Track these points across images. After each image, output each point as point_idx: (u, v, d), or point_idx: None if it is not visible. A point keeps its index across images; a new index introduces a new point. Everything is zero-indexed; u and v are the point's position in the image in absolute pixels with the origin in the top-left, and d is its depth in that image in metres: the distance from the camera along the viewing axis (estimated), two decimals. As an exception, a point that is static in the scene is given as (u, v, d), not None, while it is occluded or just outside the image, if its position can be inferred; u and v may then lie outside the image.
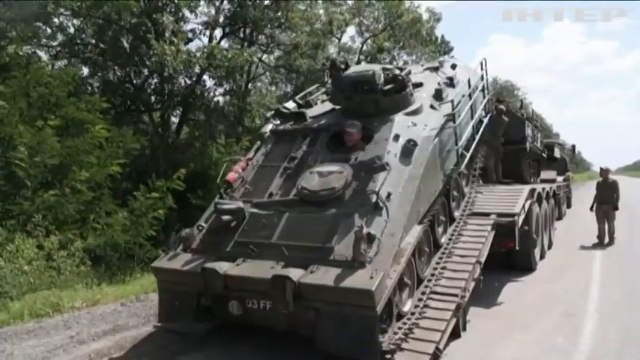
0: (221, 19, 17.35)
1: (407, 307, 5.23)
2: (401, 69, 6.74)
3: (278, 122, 7.05)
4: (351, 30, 26.44)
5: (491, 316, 6.89)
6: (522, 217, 8.16)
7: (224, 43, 17.80)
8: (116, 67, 16.81)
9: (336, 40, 25.34)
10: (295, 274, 4.50)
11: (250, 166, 6.32)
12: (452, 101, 6.73)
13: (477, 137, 8.00)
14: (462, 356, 5.43)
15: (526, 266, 9.27)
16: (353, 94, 6.36)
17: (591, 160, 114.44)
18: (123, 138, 11.66)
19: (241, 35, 18.63)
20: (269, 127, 6.95)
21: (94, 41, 16.39)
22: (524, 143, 12.21)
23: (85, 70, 16.23)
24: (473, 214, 7.62)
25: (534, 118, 14.42)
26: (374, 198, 5.03)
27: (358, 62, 25.89)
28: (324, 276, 4.48)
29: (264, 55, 20.00)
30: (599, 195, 12.47)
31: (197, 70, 15.98)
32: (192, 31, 16.96)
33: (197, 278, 4.98)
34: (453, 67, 8.45)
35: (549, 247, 11.34)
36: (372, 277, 4.30)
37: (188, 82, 17.36)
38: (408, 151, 5.70)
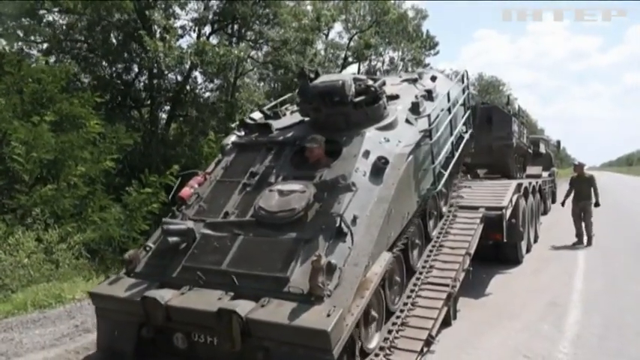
0: (210, 16, 17.43)
1: (373, 344, 4.69)
2: (374, 79, 6.21)
3: (242, 134, 6.48)
4: (338, 26, 26.61)
5: (481, 306, 7.15)
6: (510, 210, 8.42)
7: (213, 40, 17.91)
8: (105, 64, 16.87)
9: (324, 36, 25.50)
10: (243, 308, 3.97)
11: (208, 180, 5.78)
12: (428, 116, 6.09)
13: (457, 154, 7.40)
14: (453, 343, 5.65)
15: (513, 259, 9.52)
16: (321, 106, 5.77)
17: (575, 156, 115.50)
18: (116, 134, 11.78)
19: (230, 31, 18.74)
20: (232, 138, 6.39)
21: (83, 38, 16.44)
22: (510, 139, 12.46)
23: (75, 67, 16.23)
24: (462, 208, 7.87)
25: (520, 114, 14.71)
26: (338, 222, 4.46)
27: (345, 58, 26.13)
28: (275, 311, 3.93)
29: (253, 51, 20.08)
30: (575, 191, 12.23)
31: (187, 66, 16.11)
32: (182, 27, 17.05)
33: (137, 307, 4.43)
34: (433, 79, 7.89)
35: (535, 240, 11.65)
36: (329, 315, 3.74)
37: (179, 78, 17.51)
38: (379, 169, 5.17)
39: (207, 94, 19.52)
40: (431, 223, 6.75)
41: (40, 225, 8.87)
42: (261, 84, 24.51)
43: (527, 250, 10.45)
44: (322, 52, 24.11)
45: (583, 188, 12.07)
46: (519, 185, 9.63)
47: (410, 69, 30.80)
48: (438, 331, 5.43)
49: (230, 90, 18.80)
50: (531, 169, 15.59)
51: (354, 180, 4.89)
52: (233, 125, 7.15)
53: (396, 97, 6.69)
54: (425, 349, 4.94)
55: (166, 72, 15.99)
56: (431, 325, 5.15)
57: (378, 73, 30.13)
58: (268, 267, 4.35)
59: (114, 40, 16.29)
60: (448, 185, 7.68)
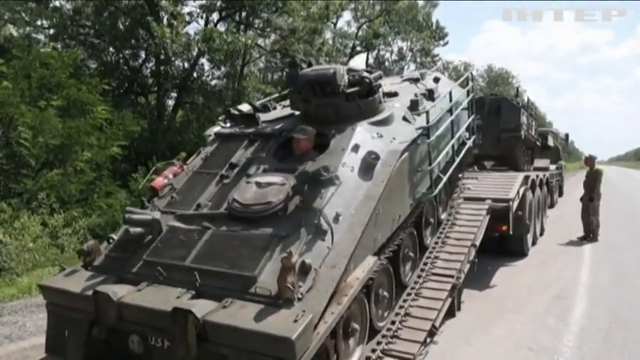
0: (218, 3, 17.40)
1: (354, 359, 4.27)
2: (370, 72, 5.71)
3: (227, 125, 6.06)
4: (347, 15, 26.48)
5: (485, 298, 7.13)
6: (517, 202, 8.38)
7: (220, 27, 17.87)
8: (112, 50, 16.89)
9: (332, 25, 25.40)
10: (201, 308, 3.50)
11: (184, 171, 5.34)
12: (427, 112, 5.66)
13: (457, 160, 6.92)
14: (456, 334, 5.65)
15: (519, 251, 9.48)
16: (311, 96, 5.32)
17: (583, 150, 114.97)
18: (122, 120, 11.82)
19: (237, 19, 18.69)
20: (215, 129, 6.00)
21: (90, 23, 16.45)
22: (518, 131, 12.39)
23: (82, 53, 16.26)
24: (468, 199, 7.83)
25: (529, 107, 14.62)
26: (317, 218, 4.06)
27: (353, 47, 26.04)
28: (236, 314, 3.46)
29: (260, 40, 20.02)
30: (584, 185, 12.07)
31: (195, 53, 16.10)
32: (190, 14, 17.03)
33: (88, 303, 3.96)
34: (436, 80, 7.39)
35: (541, 233, 11.59)
36: (296, 321, 3.27)
37: (186, 65, 17.50)
38: (369, 165, 4.70)
39: (214, 81, 19.52)
40: (427, 231, 6.37)
41: (46, 209, 8.94)
42: (268, 73, 24.49)
43: (533, 243, 10.39)
44: (330, 42, 24.03)
45: (589, 183, 11.97)
46: (527, 177, 9.58)
47: (419, 59, 30.72)
48: (442, 322, 5.38)
49: (237, 78, 18.77)
50: (539, 162, 15.54)
51: (340, 175, 4.46)
52: (220, 118, 6.72)
53: (394, 94, 6.30)
54: (428, 340, 4.90)
55: (173, 59, 15.99)
56: (434, 316, 5.11)
57: (386, 62, 30.07)
58: (235, 264, 3.89)
59: (121, 26, 16.29)
60: (448, 192, 7.41)
